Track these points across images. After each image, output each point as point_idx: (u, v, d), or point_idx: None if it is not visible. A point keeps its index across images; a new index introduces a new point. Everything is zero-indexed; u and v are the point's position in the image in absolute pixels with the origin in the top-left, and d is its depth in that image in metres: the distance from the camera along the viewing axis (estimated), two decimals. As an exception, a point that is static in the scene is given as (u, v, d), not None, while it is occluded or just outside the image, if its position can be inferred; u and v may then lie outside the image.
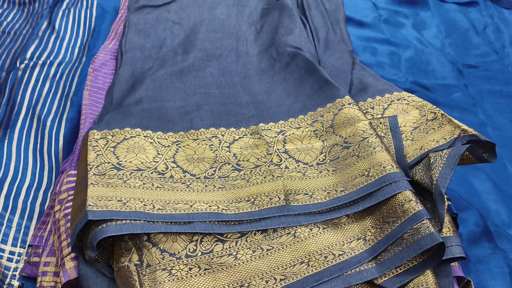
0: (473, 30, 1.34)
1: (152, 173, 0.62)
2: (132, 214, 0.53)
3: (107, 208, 0.53)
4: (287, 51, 0.85)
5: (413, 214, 0.55)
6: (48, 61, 0.91)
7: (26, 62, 0.89)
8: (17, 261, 0.64)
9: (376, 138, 0.64)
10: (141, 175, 0.61)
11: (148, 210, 0.55)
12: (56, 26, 0.99)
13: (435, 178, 0.58)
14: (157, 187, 0.60)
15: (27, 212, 0.70)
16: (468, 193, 0.84)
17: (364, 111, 0.73)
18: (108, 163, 0.61)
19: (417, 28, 1.30)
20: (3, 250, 0.64)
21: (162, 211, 0.55)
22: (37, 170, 0.75)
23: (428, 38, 1.27)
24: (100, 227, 0.51)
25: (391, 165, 0.60)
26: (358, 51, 1.14)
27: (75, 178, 0.63)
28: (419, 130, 0.67)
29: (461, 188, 0.85)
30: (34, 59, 0.90)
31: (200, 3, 1.00)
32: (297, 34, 0.89)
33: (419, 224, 0.54)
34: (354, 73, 0.83)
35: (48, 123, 0.80)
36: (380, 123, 0.69)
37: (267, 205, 0.59)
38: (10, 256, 0.64)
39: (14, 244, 0.66)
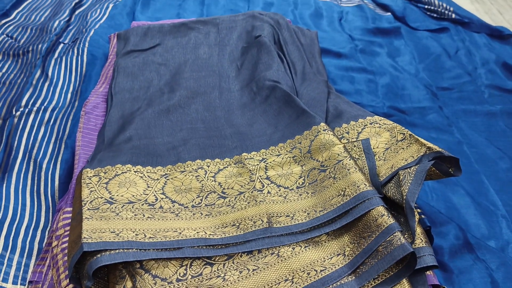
0: (446, 54, 1.40)
1: (142, 204, 0.66)
2: (125, 244, 0.57)
3: (101, 239, 0.57)
4: (266, 84, 0.91)
5: (385, 227, 0.59)
6: (43, 107, 0.96)
7: (21, 109, 0.94)
8: (18, 299, 0.67)
9: (350, 160, 0.69)
10: (132, 207, 0.65)
11: (140, 239, 0.59)
12: (49, 74, 1.05)
13: (405, 194, 0.62)
14: (148, 217, 0.64)
15: (26, 250, 0.73)
16: (447, 208, 0.88)
17: (339, 136, 0.78)
18: (101, 198, 0.66)
19: (391, 56, 1.37)
20: (4, 289, 0.67)
21: (153, 239, 0.59)
22: (35, 210, 0.79)
23: (402, 65, 1.34)
24: (95, 257, 0.55)
25: (365, 184, 0.64)
26: (336, 80, 1.20)
27: (70, 215, 0.67)
28: (390, 150, 0.72)
29: (441, 204, 0.89)
30: (29, 106, 0.95)
31: (183, 45, 1.07)
32: (275, 69, 0.95)
33: (392, 236, 0.58)
34: (329, 101, 0.89)
35: (44, 166, 0.85)
36: (354, 146, 0.74)
37: (251, 228, 0.63)
38: (11, 294, 0.67)
39: (15, 282, 0.69)
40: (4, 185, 0.80)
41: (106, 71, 1.04)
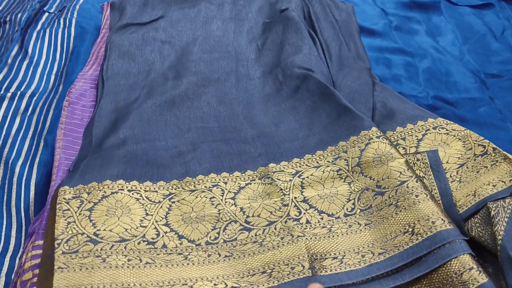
0: (491, 34, 1.22)
1: (139, 243, 0.50)
2: None
3: None
4: (295, 73, 0.73)
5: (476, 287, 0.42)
6: (19, 93, 0.79)
7: (-8, 95, 0.76)
8: None
9: (417, 182, 0.52)
10: (125, 247, 0.49)
11: None
12: (29, 51, 0.87)
13: (500, 237, 0.46)
14: (147, 263, 0.47)
15: (-11, 284, 0.57)
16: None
17: (394, 143, 0.60)
18: (82, 234, 0.49)
19: (431, 35, 1.18)
20: None
21: None
22: (3, 230, 0.62)
23: (444, 46, 1.15)
24: None
25: (442, 219, 0.47)
26: (370, 63, 1.02)
27: (41, 251, 0.50)
28: (467, 168, 0.55)
29: None
30: (2, 91, 0.78)
31: (192, 18, 0.88)
32: (306, 52, 0.77)
33: None
34: (375, 95, 0.71)
35: (17, 169, 0.68)
36: (418, 159, 0.57)
37: (288, 278, 0.46)
38: None
39: (-28, 330, 0.53)
40: (-34, 194, 0.64)
41: (97, 49, 0.85)
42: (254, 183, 0.58)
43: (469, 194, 0.52)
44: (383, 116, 0.66)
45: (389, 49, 1.09)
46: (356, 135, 0.60)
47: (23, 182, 0.67)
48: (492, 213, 0.48)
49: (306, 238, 0.50)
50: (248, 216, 0.54)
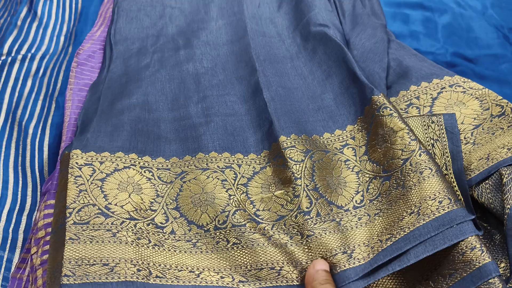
0: (517, -14, 1.16)
1: (148, 224, 0.50)
2: (122, 286, 0.42)
3: (87, 279, 0.41)
4: (312, 32, 0.70)
5: (478, 268, 0.41)
6: (29, 55, 0.79)
7: (3, 57, 0.76)
8: (-2, 305, 0.54)
9: (420, 156, 0.49)
10: (135, 225, 0.49)
11: (142, 278, 0.43)
12: (38, 12, 0.86)
13: (508, 206, 0.44)
14: (155, 244, 0.48)
15: (8, 241, 0.59)
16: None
17: (407, 103, 0.59)
18: (94, 205, 0.49)
19: (453, -12, 1.12)
20: (-20, 293, 0.54)
21: (161, 280, 0.44)
22: (19, 189, 0.64)
23: (466, 0, 1.09)
24: None
25: (448, 198, 0.45)
26: (386, 19, 0.98)
27: (53, 211, 0.51)
28: (482, 129, 0.53)
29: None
30: (13, 54, 0.78)
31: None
32: (322, 7, 0.73)
33: (486, 284, 0.41)
34: (390, 53, 0.68)
35: (31, 131, 0.69)
36: (432, 122, 0.54)
37: (297, 281, 0.46)
38: (-10, 299, 0.54)
39: (-6, 283, 0.56)
40: (-18, 155, 0.65)
41: (105, 10, 0.84)
42: (269, 167, 0.56)
43: (482, 158, 0.50)
44: (398, 75, 0.64)
45: (407, 4, 1.04)
46: (362, 115, 0.57)
47: (37, 143, 0.68)
48: (504, 180, 0.46)
49: (316, 236, 0.49)
50: (258, 210, 0.52)
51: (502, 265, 0.46)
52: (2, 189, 0.63)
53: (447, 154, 0.52)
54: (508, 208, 0.44)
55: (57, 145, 0.68)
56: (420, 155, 0.49)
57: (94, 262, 0.44)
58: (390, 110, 0.54)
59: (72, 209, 0.48)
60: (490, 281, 0.41)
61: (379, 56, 0.66)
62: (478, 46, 0.97)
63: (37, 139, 0.68)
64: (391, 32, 0.81)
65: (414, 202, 0.47)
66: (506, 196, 0.45)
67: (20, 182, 0.65)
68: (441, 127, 0.54)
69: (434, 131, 0.54)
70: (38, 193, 0.64)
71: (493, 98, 0.56)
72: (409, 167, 0.49)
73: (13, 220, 0.61)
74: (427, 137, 0.54)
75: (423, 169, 0.48)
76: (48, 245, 0.48)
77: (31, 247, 0.53)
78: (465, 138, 0.53)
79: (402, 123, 0.52)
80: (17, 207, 0.62)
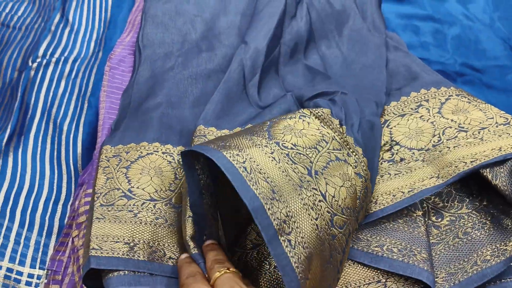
0: (525, 1, 1.20)
1: (166, 205, 0.55)
2: (140, 265, 0.47)
3: (113, 253, 0.46)
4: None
5: None
6: (63, 58, 0.84)
7: (39, 60, 0.82)
8: (37, 285, 0.59)
9: (497, 126, 0.58)
10: (154, 206, 0.54)
11: (157, 260, 0.48)
12: (70, 19, 0.92)
13: None
14: (171, 224, 0.53)
15: (45, 228, 0.64)
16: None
17: (417, 104, 0.64)
18: (118, 189, 0.54)
19: (462, 2, 1.17)
20: (21, 273, 0.59)
21: (173, 262, 0.48)
22: (55, 181, 0.69)
23: (475, 13, 1.14)
24: (107, 276, 0.45)
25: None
26: (397, 30, 1.03)
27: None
28: (488, 131, 0.58)
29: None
30: (47, 57, 0.83)
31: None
32: None
33: None
34: (399, 59, 0.73)
35: (65, 128, 0.74)
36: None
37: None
38: (29, 280, 0.59)
39: (32, 266, 0.60)
40: (20, 149, 0.70)
41: (134, 17, 0.90)
42: None
43: (494, 149, 0.54)
44: (407, 78, 0.68)
45: (417, 16, 1.09)
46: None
47: (71, 139, 0.73)
48: None
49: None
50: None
51: (510, 243, 0.50)
52: (39, 181, 0.68)
53: None
54: None
55: (90, 141, 0.73)
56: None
57: (118, 240, 0.48)
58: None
59: (99, 194, 0.53)
60: None
61: (377, 70, 0.71)
62: (486, 57, 1.02)
63: (71, 136, 0.73)
64: (402, 41, 0.85)
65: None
66: None
67: (56, 174, 0.70)
68: None
69: None
70: (73, 185, 0.69)
71: (496, 111, 0.60)
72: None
73: (49, 209, 0.66)
74: None
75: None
76: (88, 229, 0.53)
77: (70, 231, 0.58)
78: (473, 134, 0.58)
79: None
80: (53, 197, 0.67)
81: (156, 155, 0.59)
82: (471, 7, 1.15)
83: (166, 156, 0.60)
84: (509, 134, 0.56)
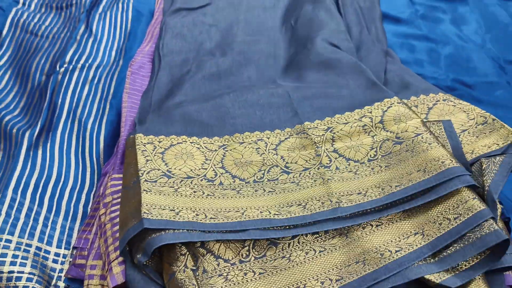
0: (514, 24, 1.28)
1: (201, 180, 0.63)
2: (186, 225, 0.54)
3: (161, 217, 0.53)
4: (322, 48, 0.84)
5: (478, 211, 0.53)
6: (87, 64, 0.92)
7: (65, 65, 0.90)
8: (62, 263, 0.65)
9: (430, 134, 0.63)
10: (191, 182, 0.62)
11: (201, 220, 0.55)
12: (94, 30, 1.01)
13: (487, 184, 0.56)
14: (208, 195, 0.60)
15: (70, 213, 0.71)
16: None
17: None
18: (158, 170, 0.62)
19: (456, 24, 1.25)
20: (48, 252, 0.66)
21: (214, 220, 0.55)
22: (79, 172, 0.76)
23: (467, 34, 1.22)
24: (155, 234, 0.52)
25: (450, 159, 0.58)
26: (394, 48, 1.11)
27: (119, 182, 0.63)
28: (468, 133, 0.65)
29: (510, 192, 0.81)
30: (73, 63, 0.91)
31: (236, 6, 1.00)
32: (334, 29, 0.87)
33: (484, 222, 0.52)
34: (394, 70, 0.81)
35: (89, 126, 0.81)
36: (433, 124, 0.67)
37: (318, 209, 0.58)
38: (56, 258, 0.65)
39: (59, 246, 0.67)
40: (49, 144, 0.78)
41: (152, 29, 0.98)
42: (292, 137, 0.69)
43: (467, 152, 0.62)
44: (399, 87, 0.76)
45: (413, 36, 1.17)
46: (380, 101, 0.70)
47: (94, 137, 0.80)
48: (484, 166, 0.58)
49: (335, 180, 0.61)
50: (287, 163, 0.65)
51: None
52: (65, 172, 0.75)
53: (448, 146, 0.64)
54: (487, 186, 0.56)
55: (111, 138, 0.80)
56: (430, 134, 0.63)
57: (164, 208, 0.55)
58: (407, 105, 0.68)
59: (143, 171, 0.61)
60: (487, 220, 0.52)
61: (377, 74, 0.79)
62: (476, 74, 1.09)
63: (95, 133, 0.81)
64: (396, 55, 0.93)
65: (421, 163, 0.59)
66: (485, 177, 0.57)
67: (80, 166, 0.77)
68: (441, 128, 0.66)
69: (435, 130, 0.66)
70: (96, 176, 0.76)
71: (478, 112, 0.68)
72: (420, 139, 0.62)
73: (74, 197, 0.73)
74: None
75: (432, 142, 0.61)
76: (114, 207, 0.60)
77: (95, 214, 0.65)
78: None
79: (417, 115, 0.67)
80: (77, 187, 0.74)
81: (185, 144, 0.67)
82: (464, 28, 1.24)
83: (194, 145, 0.68)
84: (485, 133, 0.63)
